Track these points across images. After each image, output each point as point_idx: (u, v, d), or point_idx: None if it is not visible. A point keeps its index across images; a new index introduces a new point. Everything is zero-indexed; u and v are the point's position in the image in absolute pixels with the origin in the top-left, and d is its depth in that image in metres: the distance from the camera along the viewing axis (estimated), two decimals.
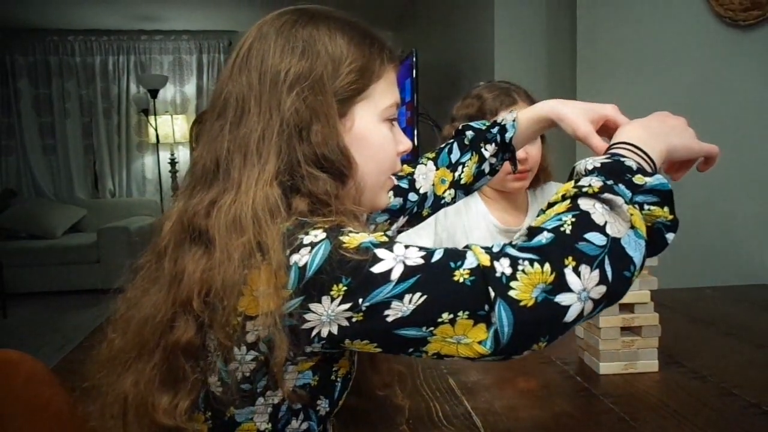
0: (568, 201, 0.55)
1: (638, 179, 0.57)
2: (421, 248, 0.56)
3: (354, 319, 0.55)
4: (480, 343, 0.53)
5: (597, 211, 0.54)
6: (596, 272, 0.51)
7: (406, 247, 0.56)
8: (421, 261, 0.54)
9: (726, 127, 1.67)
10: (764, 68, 1.57)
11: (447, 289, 0.53)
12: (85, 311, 4.03)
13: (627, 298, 0.82)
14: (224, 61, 6.27)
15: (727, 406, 0.72)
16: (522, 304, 0.50)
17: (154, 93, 5.54)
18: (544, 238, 0.52)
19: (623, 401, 0.74)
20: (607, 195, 0.54)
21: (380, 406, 0.73)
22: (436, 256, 0.54)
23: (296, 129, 0.64)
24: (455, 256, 0.54)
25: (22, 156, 5.71)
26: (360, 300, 0.54)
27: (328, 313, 0.55)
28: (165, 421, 0.60)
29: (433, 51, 4.37)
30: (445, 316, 0.53)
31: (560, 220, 0.53)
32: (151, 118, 5.62)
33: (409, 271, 0.54)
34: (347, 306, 0.54)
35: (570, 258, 0.51)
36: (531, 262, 0.51)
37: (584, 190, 0.55)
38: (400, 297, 0.53)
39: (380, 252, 0.55)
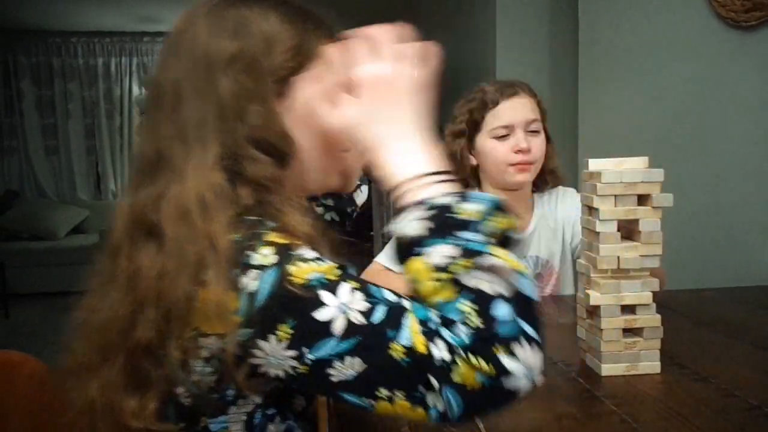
0: (450, 286, 0.51)
1: (469, 214, 0.52)
2: (367, 297, 0.53)
3: (299, 371, 0.53)
4: (419, 417, 0.51)
5: (482, 281, 0.51)
6: (524, 342, 0.50)
7: (352, 290, 0.53)
8: (363, 320, 0.52)
9: (727, 128, 1.66)
10: (766, 69, 1.56)
11: (383, 362, 0.51)
12: None
13: (629, 300, 0.82)
14: None
15: (729, 408, 0.71)
16: (469, 388, 0.49)
17: None
18: (463, 334, 0.50)
19: (625, 403, 0.73)
20: (474, 261, 0.51)
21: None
22: (377, 317, 0.52)
23: (233, 112, 0.62)
24: (394, 321, 0.51)
25: (25, 157, 5.71)
26: (305, 350, 0.52)
27: (275, 356, 0.54)
28: (134, 424, 0.58)
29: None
30: (384, 392, 0.51)
31: (461, 311, 0.50)
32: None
33: (350, 330, 0.51)
34: (293, 354, 0.53)
35: (497, 347, 0.49)
36: (465, 351, 0.49)
37: (454, 269, 0.51)
38: (341, 358, 0.52)
39: (325, 295, 0.52)
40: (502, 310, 0.50)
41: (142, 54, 5.87)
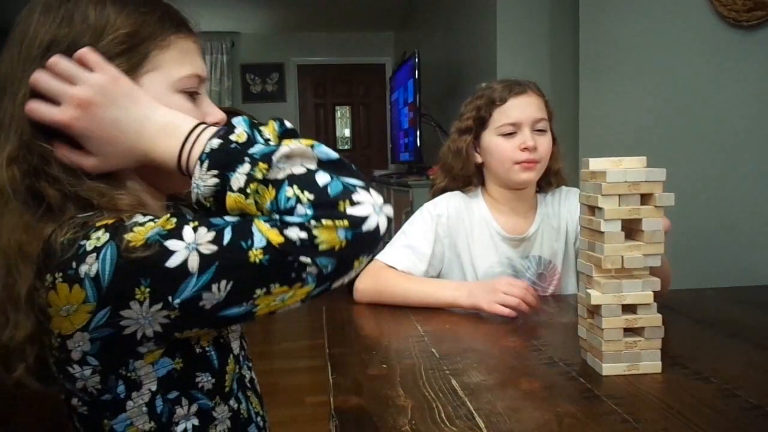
0: (264, 189, 0.56)
1: (237, 136, 0.58)
2: (209, 227, 0.55)
3: (172, 316, 0.55)
4: (302, 292, 0.56)
5: (288, 168, 0.56)
6: (357, 189, 0.56)
7: (195, 229, 0.55)
8: (215, 247, 0.54)
9: (728, 128, 1.66)
10: (767, 69, 1.56)
11: (248, 271, 0.54)
12: None
13: (630, 299, 0.82)
14: (226, 62, 6.28)
15: (729, 408, 0.71)
16: (337, 248, 0.55)
17: None
18: (304, 210, 0.55)
19: (626, 402, 0.73)
20: (267, 160, 0.56)
21: (382, 407, 0.72)
22: (227, 238, 0.55)
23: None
24: (243, 233, 0.55)
25: None
26: (169, 298, 0.54)
27: (143, 316, 0.55)
28: None
29: (436, 52, 4.37)
30: (259, 291, 0.55)
31: (289, 197, 0.55)
32: None
33: (205, 261, 0.54)
34: (159, 306, 0.55)
35: (339, 203, 0.55)
36: (316, 221, 0.54)
37: (258, 176, 0.56)
38: (207, 288, 0.54)
39: (170, 243, 0.54)
40: (321, 177, 0.56)
41: None
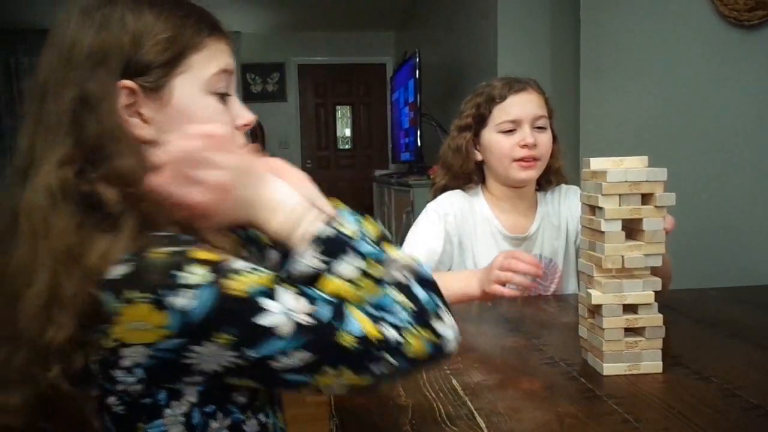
0: (371, 285, 0.61)
1: (351, 232, 0.63)
2: (308, 298, 0.58)
3: (239, 364, 0.56)
4: (360, 381, 0.59)
5: (394, 274, 0.62)
6: (444, 311, 0.62)
7: (295, 294, 0.58)
8: (310, 320, 0.57)
9: (729, 127, 1.66)
10: None
11: (334, 351, 0.57)
12: None
13: (631, 299, 0.82)
14: None
15: (730, 408, 0.71)
16: (420, 358, 0.60)
17: None
18: (403, 315, 0.60)
19: (627, 402, 0.73)
20: (380, 262, 0.62)
21: (383, 406, 0.72)
22: (324, 315, 0.58)
23: (88, 106, 0.61)
24: (339, 315, 0.58)
25: None
26: (246, 351, 0.56)
27: (211, 356, 0.56)
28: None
29: (436, 52, 4.36)
30: (330, 370, 0.57)
31: (393, 299, 0.61)
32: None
33: (298, 330, 0.56)
34: (234, 354, 0.56)
35: (431, 319, 0.61)
36: (411, 328, 0.59)
37: (370, 273, 0.61)
38: (288, 354, 0.56)
39: (268, 303, 0.56)
40: (419, 291, 0.62)
41: None
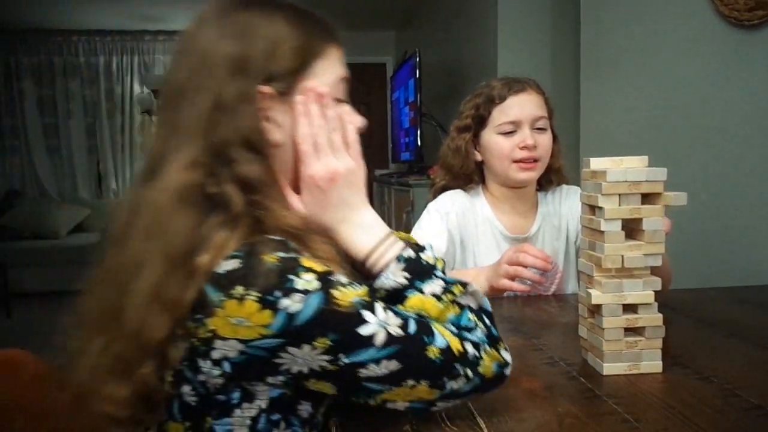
0: (452, 306, 0.67)
1: (431, 260, 0.70)
2: (395, 313, 0.62)
3: (329, 368, 0.59)
4: (430, 395, 0.64)
5: (469, 301, 0.69)
6: (502, 341, 0.69)
7: (385, 309, 0.62)
8: (401, 332, 0.61)
9: (730, 127, 1.66)
10: None
11: (419, 363, 0.61)
12: None
13: (631, 299, 0.82)
14: None
15: (730, 407, 0.71)
16: (487, 376, 0.65)
17: (157, 93, 5.55)
18: (479, 335, 0.66)
19: (627, 402, 0.73)
20: (460, 288, 0.68)
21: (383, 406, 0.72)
22: (412, 328, 0.62)
23: (224, 111, 0.63)
24: (425, 329, 0.63)
25: (26, 156, 5.72)
26: (341, 356, 0.58)
27: (304, 358, 0.58)
28: (105, 409, 0.61)
29: (437, 51, 4.36)
30: (410, 381, 0.61)
31: (470, 320, 0.67)
32: (155, 118, 5.63)
33: (390, 340, 0.60)
34: (327, 357, 0.58)
35: (499, 344, 0.68)
36: (487, 347, 0.66)
37: (454, 293, 0.68)
38: (378, 362, 0.59)
39: (366, 314, 0.60)
40: (487, 320, 0.68)
41: (144, 53, 5.87)
